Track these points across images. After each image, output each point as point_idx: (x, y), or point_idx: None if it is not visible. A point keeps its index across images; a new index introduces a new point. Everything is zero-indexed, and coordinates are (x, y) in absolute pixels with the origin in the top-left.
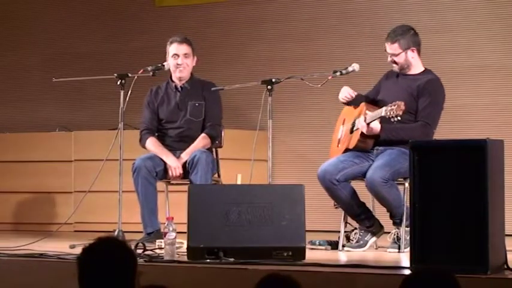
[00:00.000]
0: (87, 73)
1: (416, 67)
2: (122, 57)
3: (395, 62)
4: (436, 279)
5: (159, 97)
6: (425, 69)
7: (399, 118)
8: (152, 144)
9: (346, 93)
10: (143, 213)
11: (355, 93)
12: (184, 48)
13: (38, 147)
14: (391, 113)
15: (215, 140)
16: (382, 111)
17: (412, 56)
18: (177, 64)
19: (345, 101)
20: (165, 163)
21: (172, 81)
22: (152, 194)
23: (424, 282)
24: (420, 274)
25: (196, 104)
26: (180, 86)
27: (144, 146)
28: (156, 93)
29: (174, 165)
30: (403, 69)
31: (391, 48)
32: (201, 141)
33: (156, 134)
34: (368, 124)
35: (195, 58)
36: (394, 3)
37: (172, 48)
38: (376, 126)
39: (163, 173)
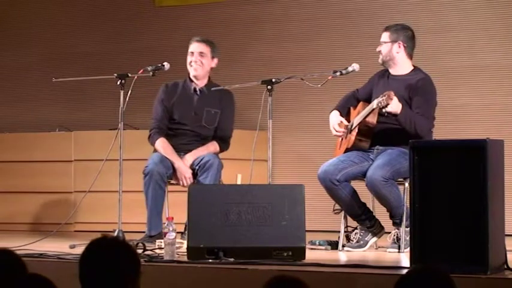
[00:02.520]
0: (87, 73)
1: (403, 66)
2: (122, 57)
3: (380, 52)
4: (430, 277)
5: (175, 95)
6: (414, 67)
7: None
8: (162, 146)
9: (337, 126)
10: (150, 217)
11: (344, 125)
12: (200, 47)
13: (38, 147)
14: (382, 103)
15: (223, 150)
16: (374, 104)
17: (397, 50)
18: (191, 61)
19: (338, 134)
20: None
21: (191, 81)
22: (161, 198)
23: (417, 280)
24: (414, 273)
25: (212, 112)
26: (199, 89)
27: (153, 145)
28: (173, 91)
29: (187, 175)
30: (384, 62)
31: (383, 35)
32: (210, 147)
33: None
34: (387, 100)
35: (215, 61)
36: (394, 3)
37: (191, 47)
38: (398, 104)
39: (171, 175)
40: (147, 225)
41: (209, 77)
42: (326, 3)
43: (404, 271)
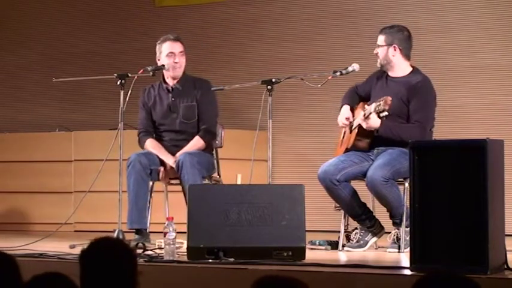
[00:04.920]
0: (87, 73)
1: (401, 68)
2: (122, 57)
3: (378, 55)
4: (452, 282)
5: (151, 98)
6: (413, 68)
7: (386, 113)
8: (151, 146)
9: (344, 119)
10: (131, 210)
11: (350, 121)
12: (179, 46)
13: (38, 147)
14: (379, 108)
15: (210, 143)
16: (372, 108)
17: (393, 54)
18: (175, 63)
19: (343, 126)
20: (161, 164)
21: (165, 82)
22: (144, 193)
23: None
24: (433, 277)
25: (189, 105)
26: (172, 87)
27: (143, 148)
28: (149, 93)
29: (169, 167)
30: (382, 66)
31: (379, 38)
32: (195, 143)
33: (154, 136)
34: (366, 118)
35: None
36: (394, 3)
37: (167, 47)
38: (375, 120)
39: (157, 173)
40: (127, 218)
41: (184, 72)
42: (326, 3)
43: (404, 271)
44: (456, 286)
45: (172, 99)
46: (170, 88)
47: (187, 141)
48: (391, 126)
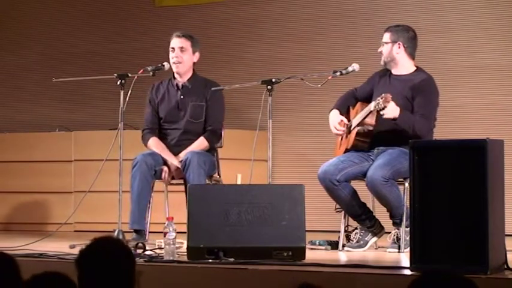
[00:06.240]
0: (87, 73)
1: (404, 66)
2: (122, 57)
3: (382, 53)
4: (448, 281)
5: (160, 94)
6: (417, 68)
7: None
8: (154, 145)
9: (337, 124)
10: (133, 210)
11: (344, 123)
12: (180, 42)
13: (38, 147)
14: (379, 105)
15: (214, 145)
16: (372, 106)
17: (397, 51)
18: (172, 57)
19: (339, 133)
20: (164, 164)
21: (174, 78)
22: (147, 194)
23: (434, 284)
24: (430, 276)
25: (197, 105)
26: (182, 85)
27: (146, 145)
28: (158, 90)
29: (175, 167)
30: (386, 63)
31: (384, 36)
32: (199, 144)
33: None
34: (383, 108)
35: (197, 55)
36: (394, 3)
37: (171, 42)
38: (394, 109)
39: (160, 173)
40: (130, 218)
41: (193, 71)
42: (326, 3)
43: (404, 271)
44: (452, 285)
45: (181, 97)
46: (180, 85)
47: (191, 141)
48: (408, 115)
